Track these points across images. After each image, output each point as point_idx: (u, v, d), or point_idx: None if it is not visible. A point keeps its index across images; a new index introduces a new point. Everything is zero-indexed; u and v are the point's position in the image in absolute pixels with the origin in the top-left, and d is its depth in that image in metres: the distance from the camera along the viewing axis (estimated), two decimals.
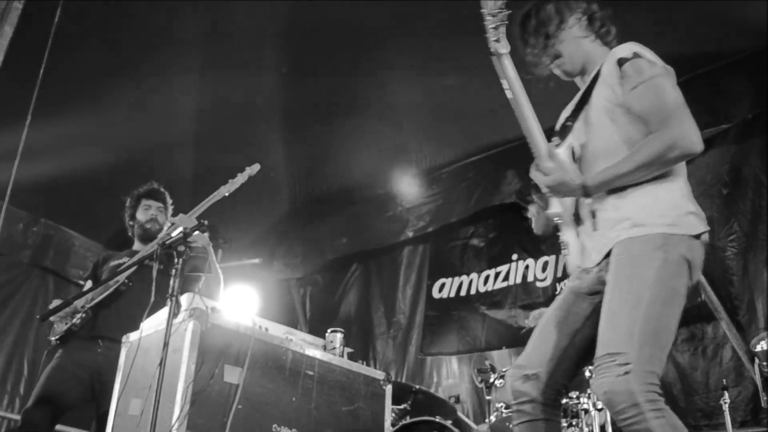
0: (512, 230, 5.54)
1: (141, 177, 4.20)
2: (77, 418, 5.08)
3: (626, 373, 1.70)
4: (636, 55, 1.96)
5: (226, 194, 3.19)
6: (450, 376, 5.41)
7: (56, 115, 4.65)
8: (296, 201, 6.19)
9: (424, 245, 6.04)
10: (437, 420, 3.65)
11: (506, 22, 1.94)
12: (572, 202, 2.08)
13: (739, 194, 4.47)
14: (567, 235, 2.12)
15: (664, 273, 1.82)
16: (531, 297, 5.16)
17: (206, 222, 2.61)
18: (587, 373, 3.38)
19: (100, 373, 3.08)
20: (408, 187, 5.76)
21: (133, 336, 2.62)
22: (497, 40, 1.94)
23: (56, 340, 3.18)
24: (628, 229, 1.89)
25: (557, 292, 5.04)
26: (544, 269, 5.22)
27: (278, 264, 6.64)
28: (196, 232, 2.54)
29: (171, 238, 2.56)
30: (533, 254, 5.33)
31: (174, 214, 3.47)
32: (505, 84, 2.00)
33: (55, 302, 3.20)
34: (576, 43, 2.14)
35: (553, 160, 2.00)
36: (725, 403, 3.48)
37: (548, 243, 5.31)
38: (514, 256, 5.42)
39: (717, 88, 4.46)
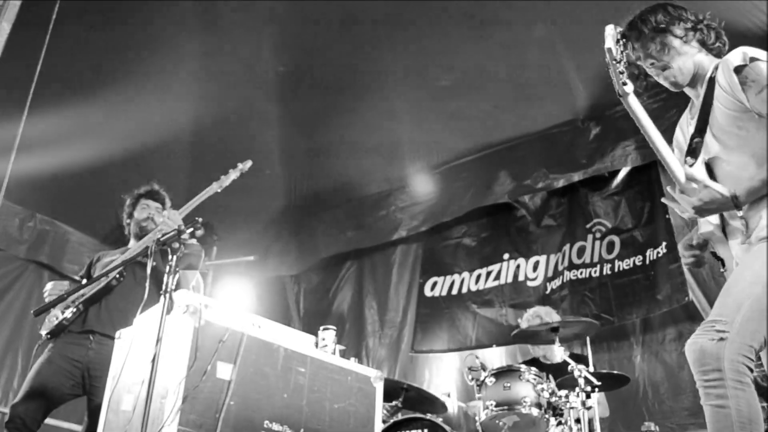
0: (504, 230, 5.55)
1: (138, 173, 4.19)
2: (69, 413, 5.05)
3: (721, 339, 1.73)
4: (752, 59, 1.93)
5: (218, 190, 3.18)
6: (441, 373, 5.41)
7: (53, 110, 4.63)
8: (292, 199, 6.18)
9: (417, 244, 6.04)
10: (428, 417, 3.64)
11: (627, 64, 1.95)
12: (719, 218, 2.06)
13: None
14: (721, 252, 2.10)
15: None
16: (522, 296, 5.17)
17: (200, 219, 2.59)
18: (576, 372, 3.39)
19: (90, 368, 3.06)
20: (420, 182, 5.74)
21: (127, 332, 2.60)
22: (624, 83, 1.93)
23: (47, 334, 3.15)
24: None
25: (547, 292, 5.05)
26: (535, 269, 5.23)
27: (273, 261, 6.62)
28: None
29: (166, 234, 2.54)
30: (524, 254, 5.33)
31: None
32: (635, 120, 2.00)
33: (50, 286, 3.17)
34: (686, 56, 2.11)
35: (695, 181, 1.96)
36: None
37: (539, 243, 5.32)
38: (506, 256, 5.42)
39: None
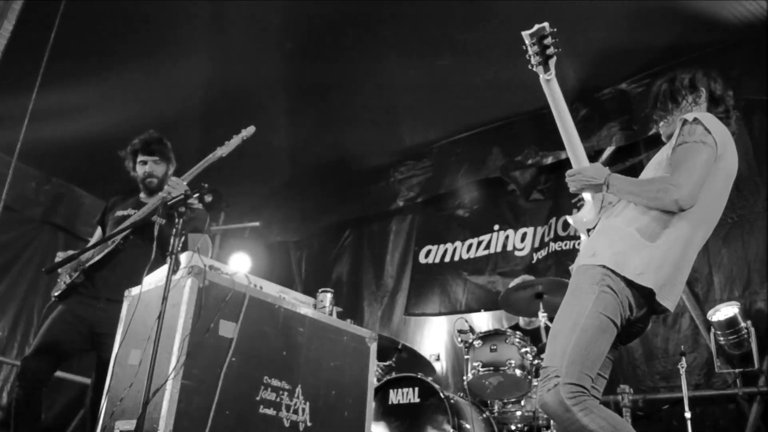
0: (495, 203, 5.52)
1: None
2: (81, 367, 5.06)
3: (555, 385, 1.87)
4: (695, 120, 2.08)
5: (222, 155, 3.10)
6: (431, 336, 5.43)
7: (70, 78, 4.55)
8: (296, 169, 6.13)
9: (413, 214, 6.01)
10: (419, 376, 3.65)
11: (557, 51, 2.11)
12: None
13: None
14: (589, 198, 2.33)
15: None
16: (510, 265, 5.16)
17: (206, 185, 2.54)
18: None
19: (96, 325, 3.02)
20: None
21: (135, 290, 2.58)
22: (540, 65, 2.15)
23: (56, 297, 3.12)
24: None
25: (534, 261, 5.03)
26: (522, 239, 5.20)
27: (277, 227, 6.60)
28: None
29: (173, 198, 2.50)
30: (513, 225, 5.31)
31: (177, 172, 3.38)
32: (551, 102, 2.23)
33: (60, 255, 3.12)
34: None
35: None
36: (682, 367, 3.50)
37: (528, 215, 5.29)
38: (496, 227, 5.39)
39: None
